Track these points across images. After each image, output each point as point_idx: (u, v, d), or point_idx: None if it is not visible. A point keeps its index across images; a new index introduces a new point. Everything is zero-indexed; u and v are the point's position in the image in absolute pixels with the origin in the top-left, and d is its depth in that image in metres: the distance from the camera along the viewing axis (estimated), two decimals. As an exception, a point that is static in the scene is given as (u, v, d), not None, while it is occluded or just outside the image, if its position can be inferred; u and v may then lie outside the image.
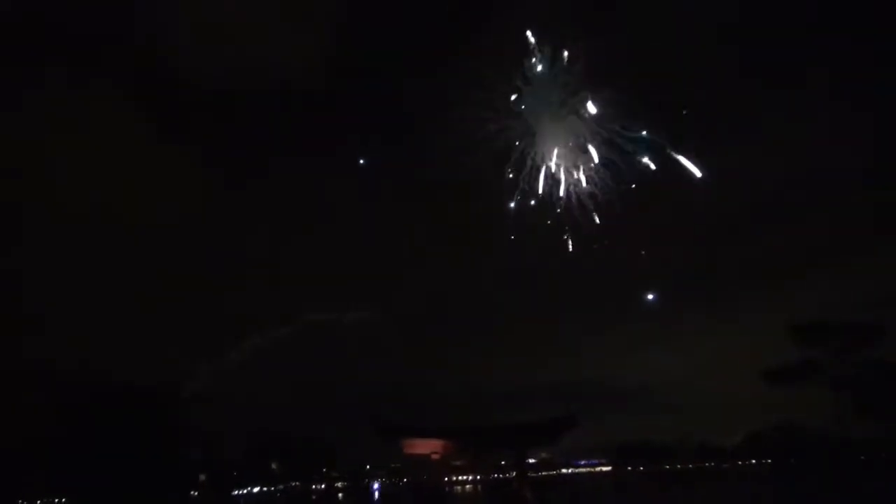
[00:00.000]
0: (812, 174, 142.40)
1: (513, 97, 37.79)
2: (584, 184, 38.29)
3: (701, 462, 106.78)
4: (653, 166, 36.95)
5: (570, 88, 36.85)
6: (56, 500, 48.02)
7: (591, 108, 36.31)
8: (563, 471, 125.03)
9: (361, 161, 61.76)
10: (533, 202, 39.63)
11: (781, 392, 49.39)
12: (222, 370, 68.88)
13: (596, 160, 37.60)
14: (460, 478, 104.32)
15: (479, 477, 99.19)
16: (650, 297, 50.26)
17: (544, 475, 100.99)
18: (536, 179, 39.16)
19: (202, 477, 58.43)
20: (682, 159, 35.96)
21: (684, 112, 36.76)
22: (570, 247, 40.52)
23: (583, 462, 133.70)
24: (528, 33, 37.14)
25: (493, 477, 79.73)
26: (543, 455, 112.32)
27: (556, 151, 38.65)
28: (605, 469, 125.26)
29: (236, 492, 75.80)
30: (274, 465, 74.64)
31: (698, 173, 35.97)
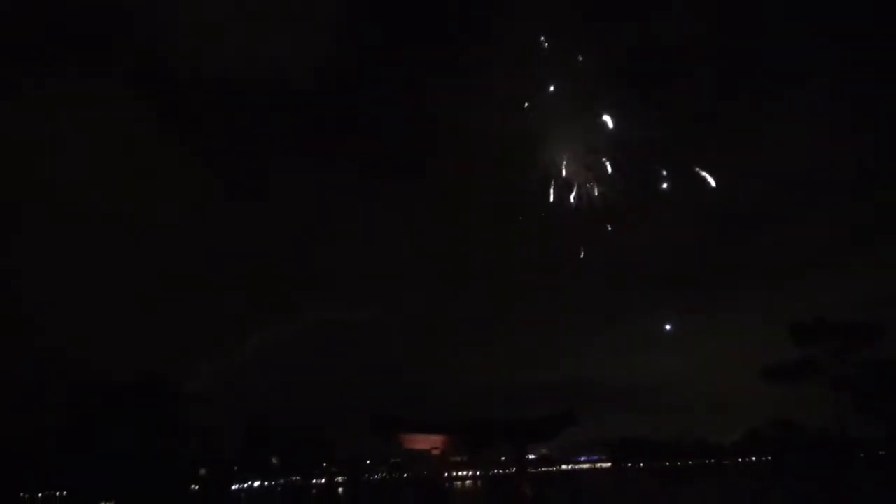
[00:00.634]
0: (812, 174, 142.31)
1: (525, 104, 37.60)
2: (595, 191, 38.25)
3: (701, 459, 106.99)
4: (665, 173, 36.85)
5: (584, 99, 36.64)
6: (57, 494, 48.37)
7: (607, 118, 36.20)
8: (563, 467, 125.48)
9: (361, 161, 61.54)
10: (544, 211, 39.56)
11: (781, 391, 49.44)
12: (223, 369, 69.15)
13: (609, 169, 37.54)
14: (460, 473, 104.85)
15: (479, 472, 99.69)
16: (668, 327, 50.48)
17: (544, 471, 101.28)
18: (548, 185, 39.13)
19: (202, 471, 58.77)
20: (702, 172, 35.82)
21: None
22: (582, 253, 40.43)
23: (583, 458, 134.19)
24: (542, 38, 36.81)
25: (493, 472, 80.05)
26: (543, 451, 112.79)
27: (568, 158, 38.60)
28: (604, 465, 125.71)
29: (236, 486, 76.21)
30: (274, 460, 74.90)
31: (714, 183, 35.93)
